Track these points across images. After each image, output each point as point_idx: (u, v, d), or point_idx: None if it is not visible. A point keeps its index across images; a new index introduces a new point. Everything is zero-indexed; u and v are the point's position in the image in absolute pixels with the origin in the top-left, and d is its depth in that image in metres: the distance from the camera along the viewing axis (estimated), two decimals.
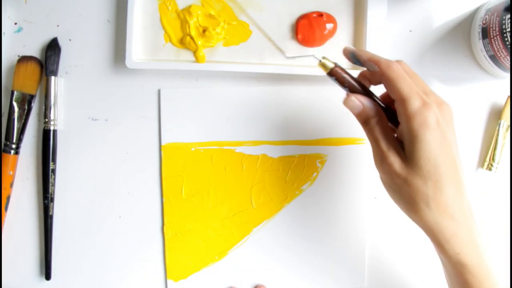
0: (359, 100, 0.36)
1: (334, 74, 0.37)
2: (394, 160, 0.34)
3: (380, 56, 0.36)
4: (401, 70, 0.34)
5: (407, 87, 0.33)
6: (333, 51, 0.45)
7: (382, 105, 0.37)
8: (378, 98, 0.37)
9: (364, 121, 0.36)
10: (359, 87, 0.37)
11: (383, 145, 0.35)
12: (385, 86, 0.35)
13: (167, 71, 0.45)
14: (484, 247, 0.34)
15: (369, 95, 0.37)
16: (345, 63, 0.43)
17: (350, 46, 0.38)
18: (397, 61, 0.36)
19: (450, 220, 0.33)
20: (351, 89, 0.37)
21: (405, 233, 0.45)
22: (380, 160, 0.35)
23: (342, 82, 0.37)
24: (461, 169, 0.34)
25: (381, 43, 0.45)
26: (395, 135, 0.36)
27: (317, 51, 0.45)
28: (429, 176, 0.32)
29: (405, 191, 0.34)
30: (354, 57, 0.37)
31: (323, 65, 0.37)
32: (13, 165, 0.44)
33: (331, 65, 0.36)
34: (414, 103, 0.33)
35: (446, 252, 0.34)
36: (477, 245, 0.33)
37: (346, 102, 0.36)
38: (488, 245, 0.35)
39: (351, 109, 0.36)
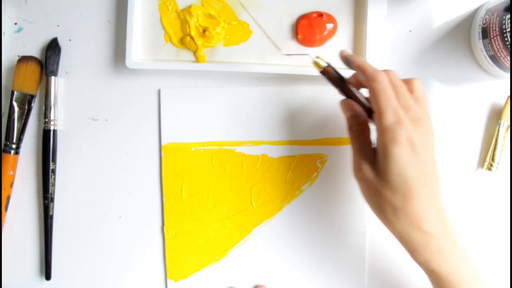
0: (351, 105, 0.38)
1: (326, 73, 0.38)
2: (368, 171, 0.36)
3: (369, 65, 0.37)
4: (385, 83, 0.35)
5: (385, 101, 0.35)
6: (333, 51, 0.45)
7: (368, 106, 0.38)
8: (367, 103, 0.38)
9: (350, 126, 0.38)
10: (349, 89, 0.38)
11: (361, 154, 0.37)
12: (369, 96, 0.36)
13: (167, 71, 0.45)
14: (457, 257, 0.35)
15: (357, 98, 0.38)
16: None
17: (346, 50, 0.39)
18: (386, 71, 0.36)
19: (418, 231, 0.34)
20: (341, 90, 0.38)
21: None
22: (357, 168, 0.37)
23: (333, 82, 0.39)
24: (434, 183, 0.35)
25: (381, 43, 0.45)
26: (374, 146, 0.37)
27: (317, 51, 0.45)
28: (398, 190, 0.34)
29: (377, 200, 0.35)
30: (347, 62, 0.39)
31: (316, 64, 0.39)
32: (13, 165, 0.44)
33: (324, 65, 0.38)
34: (388, 119, 0.34)
35: (416, 259, 0.36)
36: (449, 254, 0.35)
37: (342, 103, 0.39)
38: (464, 254, 0.36)
39: (344, 111, 0.39)
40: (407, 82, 0.37)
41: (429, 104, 0.38)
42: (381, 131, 0.35)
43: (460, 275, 0.35)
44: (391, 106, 0.35)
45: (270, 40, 0.41)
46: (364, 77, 0.36)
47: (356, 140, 0.38)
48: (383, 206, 0.35)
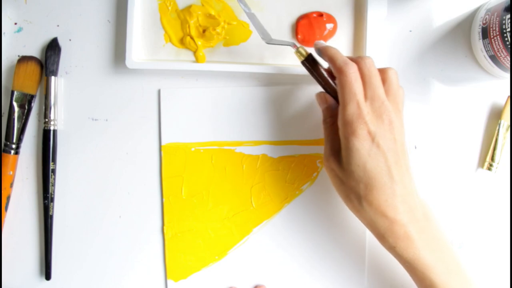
0: (325, 98, 0.40)
1: (307, 63, 0.40)
2: (334, 162, 0.38)
3: (340, 56, 0.37)
4: (352, 76, 0.36)
5: (349, 95, 0.36)
6: None
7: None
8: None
9: (324, 118, 0.40)
10: (328, 80, 0.39)
11: (330, 145, 0.39)
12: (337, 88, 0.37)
13: (167, 71, 0.45)
14: (424, 243, 0.36)
15: (335, 90, 0.39)
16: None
17: (320, 42, 0.41)
18: (360, 59, 0.37)
19: (382, 217, 0.36)
20: (321, 80, 0.40)
21: None
22: (325, 158, 0.39)
23: (312, 72, 0.40)
24: (398, 172, 0.36)
25: (381, 43, 0.45)
26: None
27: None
28: (360, 179, 0.36)
29: (343, 189, 0.38)
30: (320, 54, 0.40)
31: (299, 53, 0.40)
32: (13, 165, 0.44)
33: (305, 54, 0.40)
34: (349, 112, 0.36)
35: (383, 245, 0.37)
36: (414, 239, 0.36)
37: (317, 95, 0.40)
38: (434, 240, 0.37)
39: (319, 103, 0.40)
40: (382, 71, 0.38)
41: (403, 94, 0.39)
42: (343, 124, 0.36)
43: (425, 262, 0.36)
44: (355, 99, 0.36)
45: (258, 26, 0.41)
46: (333, 69, 0.37)
47: (327, 132, 0.39)
48: (348, 194, 0.37)
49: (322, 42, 0.40)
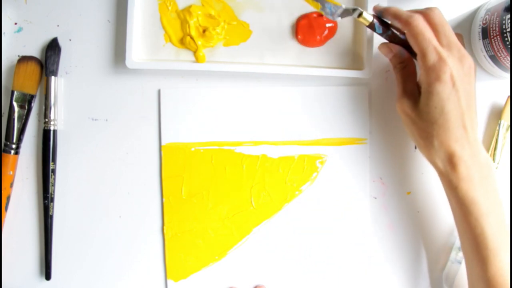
0: (390, 48, 0.41)
1: (377, 21, 0.41)
2: (407, 102, 0.40)
3: (403, 12, 0.39)
4: (419, 26, 0.38)
5: (423, 42, 0.38)
6: (333, 51, 0.45)
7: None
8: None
9: (394, 66, 0.42)
10: (394, 34, 0.41)
11: (402, 87, 0.41)
12: (409, 41, 0.39)
13: (167, 71, 0.45)
14: (484, 189, 0.37)
15: (404, 42, 0.41)
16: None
17: (380, 4, 0.42)
18: (427, 11, 0.39)
19: (450, 156, 0.37)
20: (388, 37, 0.41)
21: (405, 233, 0.45)
22: (398, 99, 0.41)
23: (382, 31, 0.41)
24: (470, 119, 0.38)
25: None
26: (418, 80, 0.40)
27: (317, 51, 0.45)
28: (435, 121, 0.38)
29: (415, 128, 0.39)
30: (382, 16, 0.41)
31: (364, 19, 0.40)
32: (13, 165, 0.44)
33: (370, 19, 0.40)
34: (430, 59, 0.37)
35: (445, 185, 0.39)
36: (475, 183, 0.37)
37: (380, 47, 0.42)
38: (492, 191, 0.38)
39: (385, 54, 0.42)
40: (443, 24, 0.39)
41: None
42: (425, 70, 0.38)
43: (483, 207, 0.37)
44: (431, 45, 0.37)
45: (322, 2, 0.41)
46: (400, 24, 0.39)
47: (399, 76, 0.41)
48: (420, 133, 0.39)
49: (380, 5, 0.42)
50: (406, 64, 0.41)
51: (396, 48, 0.41)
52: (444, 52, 0.37)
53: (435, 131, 0.38)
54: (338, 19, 0.42)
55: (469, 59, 0.38)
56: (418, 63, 0.39)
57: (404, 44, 0.41)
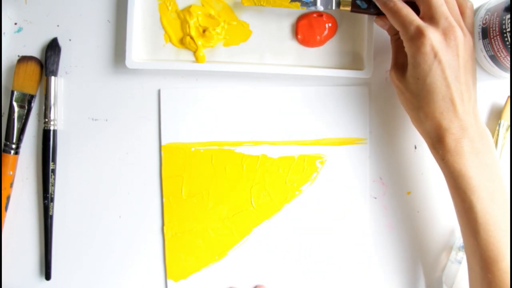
0: (384, 21, 0.42)
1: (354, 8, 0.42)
2: (396, 73, 0.41)
3: None
4: (395, 6, 0.39)
5: (400, 19, 0.38)
6: (333, 51, 0.45)
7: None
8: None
9: (391, 37, 0.43)
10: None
11: (394, 58, 0.42)
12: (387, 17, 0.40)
13: (167, 71, 0.45)
14: (474, 163, 0.37)
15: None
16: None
17: None
18: None
19: (437, 128, 0.37)
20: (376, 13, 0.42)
21: (405, 233, 0.45)
22: (390, 69, 0.42)
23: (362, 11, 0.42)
24: (458, 92, 0.37)
25: (381, 43, 0.45)
26: None
27: (317, 51, 0.45)
28: (419, 92, 0.38)
29: (403, 99, 0.40)
30: None
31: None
32: (13, 165, 0.44)
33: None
34: (408, 32, 0.38)
35: (434, 155, 0.39)
36: (463, 156, 0.37)
37: (375, 21, 0.43)
38: (485, 165, 0.37)
39: (380, 26, 0.43)
40: None
41: (471, 8, 0.40)
42: (406, 43, 0.38)
43: (472, 180, 0.36)
44: (407, 20, 0.38)
45: None
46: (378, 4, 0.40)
47: (393, 46, 0.42)
48: (407, 104, 0.40)
49: None
50: (398, 37, 0.41)
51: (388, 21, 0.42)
52: (423, 25, 0.37)
53: (419, 102, 0.38)
54: (321, 9, 0.42)
55: (456, 31, 0.37)
56: (401, 36, 0.39)
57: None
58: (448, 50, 0.37)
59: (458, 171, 0.37)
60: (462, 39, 0.38)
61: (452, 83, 0.37)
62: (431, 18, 0.38)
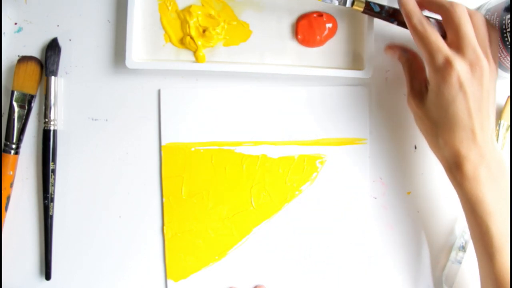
0: (393, 50, 0.43)
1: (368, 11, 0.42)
2: (414, 100, 0.41)
3: (415, 11, 0.39)
4: (424, 31, 0.38)
5: (429, 46, 0.38)
6: (333, 51, 0.45)
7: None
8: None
9: (402, 64, 0.43)
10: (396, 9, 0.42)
11: (410, 85, 0.42)
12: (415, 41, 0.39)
13: (167, 71, 0.45)
14: (491, 189, 0.37)
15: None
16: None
17: None
18: (450, 7, 0.38)
19: (455, 155, 0.37)
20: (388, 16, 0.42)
21: (405, 233, 0.45)
22: (407, 96, 0.42)
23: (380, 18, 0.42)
24: (479, 122, 0.37)
25: (381, 43, 0.45)
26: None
27: (317, 51, 0.45)
28: (440, 120, 0.38)
29: (421, 125, 0.41)
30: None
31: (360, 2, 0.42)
32: (13, 165, 0.44)
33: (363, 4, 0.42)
34: (436, 61, 0.37)
35: (452, 181, 0.39)
36: (481, 183, 0.37)
37: (385, 51, 0.44)
38: (501, 191, 0.37)
39: (391, 55, 0.44)
40: (471, 15, 0.38)
41: (495, 36, 0.39)
42: (432, 71, 0.38)
43: (489, 206, 0.36)
44: (437, 48, 0.37)
45: None
46: (407, 23, 0.39)
47: (406, 73, 0.42)
48: (426, 129, 0.40)
49: None
50: (412, 62, 0.42)
51: (399, 49, 0.42)
52: (451, 55, 0.37)
53: (439, 129, 0.38)
54: (336, 3, 0.42)
55: (482, 62, 0.37)
56: (425, 62, 0.39)
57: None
58: (473, 81, 0.37)
59: (475, 197, 0.37)
60: (487, 70, 0.37)
61: (475, 113, 0.37)
62: (458, 47, 0.37)
